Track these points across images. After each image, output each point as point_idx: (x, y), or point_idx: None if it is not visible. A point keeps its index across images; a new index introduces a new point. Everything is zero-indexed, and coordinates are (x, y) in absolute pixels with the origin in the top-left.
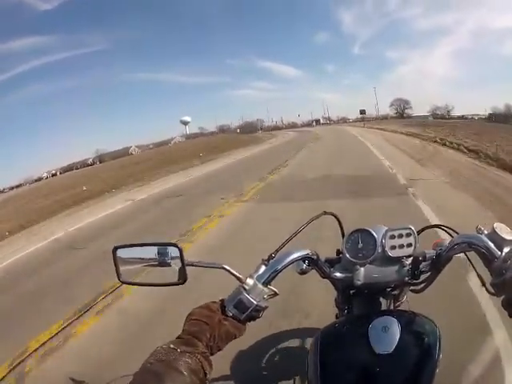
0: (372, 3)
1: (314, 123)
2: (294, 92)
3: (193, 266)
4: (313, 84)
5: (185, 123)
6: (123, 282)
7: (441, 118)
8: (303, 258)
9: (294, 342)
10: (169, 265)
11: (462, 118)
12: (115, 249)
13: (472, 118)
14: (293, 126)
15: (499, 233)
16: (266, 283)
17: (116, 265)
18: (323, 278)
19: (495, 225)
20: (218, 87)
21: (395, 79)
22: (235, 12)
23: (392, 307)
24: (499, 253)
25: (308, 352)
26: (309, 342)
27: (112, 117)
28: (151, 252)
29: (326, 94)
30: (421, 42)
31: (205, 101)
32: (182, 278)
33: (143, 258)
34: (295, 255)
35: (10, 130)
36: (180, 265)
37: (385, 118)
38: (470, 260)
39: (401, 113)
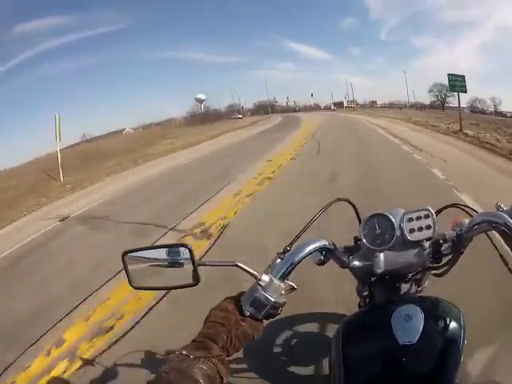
0: None
1: (333, 106)
2: (319, 74)
3: (204, 265)
4: (338, 67)
5: (199, 101)
6: (135, 288)
7: (481, 113)
8: (320, 249)
9: (315, 327)
10: (181, 266)
11: None
12: (124, 254)
13: None
14: (313, 108)
15: None
16: (283, 278)
17: (126, 270)
18: (342, 267)
19: None
20: (241, 67)
21: (421, 68)
22: None
23: (414, 292)
24: None
25: (330, 340)
26: (330, 328)
27: (133, 96)
28: (162, 254)
29: (351, 77)
30: (448, 32)
31: (228, 80)
32: (195, 278)
33: (154, 261)
34: (311, 246)
35: (26, 109)
36: (192, 265)
37: (419, 106)
38: (491, 239)
39: (441, 101)
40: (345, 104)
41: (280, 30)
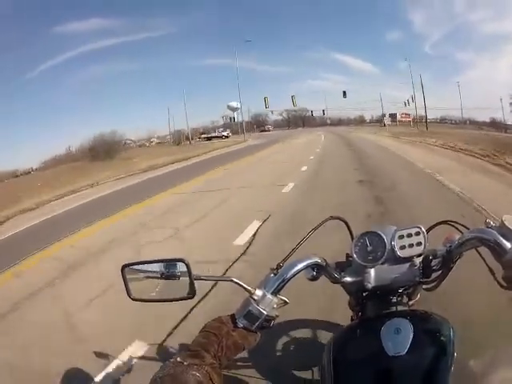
0: (442, 5)
1: (387, 120)
2: (362, 86)
3: (201, 280)
4: (383, 80)
5: (233, 109)
6: (134, 299)
7: None
8: (312, 266)
9: (311, 334)
10: (178, 279)
11: None
12: (124, 267)
13: None
14: (357, 122)
15: (508, 225)
16: (276, 293)
17: (125, 283)
18: (334, 283)
19: (504, 217)
20: (287, 77)
21: (466, 82)
22: (310, 4)
23: (405, 307)
24: (509, 246)
25: (323, 348)
26: (325, 336)
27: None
28: (160, 268)
29: (397, 92)
30: (492, 46)
31: (273, 90)
32: (192, 292)
33: (152, 275)
34: (303, 264)
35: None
36: (188, 279)
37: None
38: (480, 254)
39: None
40: (398, 117)
41: (326, 42)
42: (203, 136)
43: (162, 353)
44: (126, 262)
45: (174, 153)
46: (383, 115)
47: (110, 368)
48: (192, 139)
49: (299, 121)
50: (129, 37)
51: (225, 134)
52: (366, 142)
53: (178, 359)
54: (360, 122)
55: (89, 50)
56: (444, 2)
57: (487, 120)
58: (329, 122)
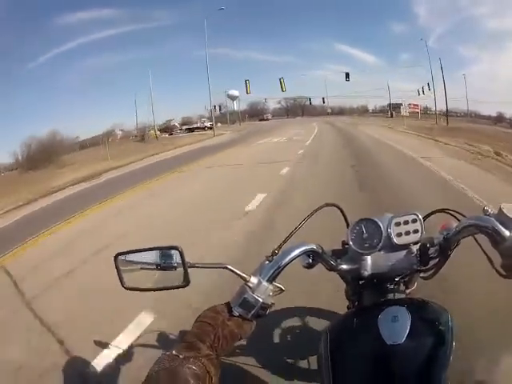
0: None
1: (404, 108)
2: (365, 76)
3: (195, 267)
4: (386, 72)
5: (232, 98)
6: (127, 289)
7: None
8: (307, 252)
9: (307, 322)
10: (172, 267)
11: None
12: (116, 256)
13: None
14: (360, 112)
15: (507, 213)
16: (271, 280)
17: (118, 272)
18: (330, 270)
19: (502, 205)
20: (289, 67)
21: (467, 76)
22: None
23: (403, 295)
24: (508, 233)
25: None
26: (321, 325)
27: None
28: (153, 256)
29: (401, 84)
30: (494, 41)
31: (274, 80)
32: (185, 280)
33: (146, 263)
34: (299, 250)
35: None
36: (182, 267)
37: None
38: (478, 242)
39: None
40: (406, 109)
41: (329, 33)
42: (185, 127)
43: (162, 340)
44: (118, 252)
45: (126, 153)
46: (390, 105)
47: (109, 356)
48: (172, 131)
49: (298, 110)
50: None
51: (207, 125)
52: (392, 154)
53: (174, 352)
54: (363, 111)
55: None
56: None
57: (493, 114)
58: (329, 111)
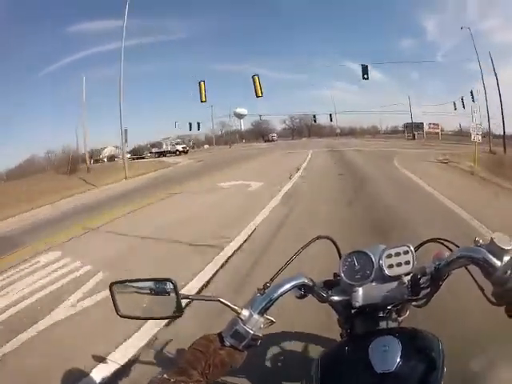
0: (454, 13)
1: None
2: (374, 95)
3: (187, 299)
4: (395, 88)
5: (239, 116)
6: (122, 316)
7: None
8: (299, 286)
9: (301, 347)
10: (166, 298)
11: None
12: (112, 284)
13: None
14: (370, 132)
15: (497, 243)
16: (262, 312)
17: (113, 300)
18: (321, 302)
19: (493, 235)
20: (297, 85)
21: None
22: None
23: (395, 323)
24: (499, 263)
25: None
26: (315, 350)
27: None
28: (148, 286)
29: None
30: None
31: (281, 98)
32: (179, 310)
33: (141, 293)
34: (290, 284)
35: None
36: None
37: None
38: (469, 271)
39: None
40: (426, 128)
41: (340, 50)
42: (154, 151)
43: (160, 357)
44: (113, 281)
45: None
46: (412, 124)
47: (109, 372)
48: (142, 155)
49: (305, 130)
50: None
51: (179, 148)
52: None
53: (165, 376)
54: (374, 132)
55: None
56: (457, 10)
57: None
58: (338, 131)
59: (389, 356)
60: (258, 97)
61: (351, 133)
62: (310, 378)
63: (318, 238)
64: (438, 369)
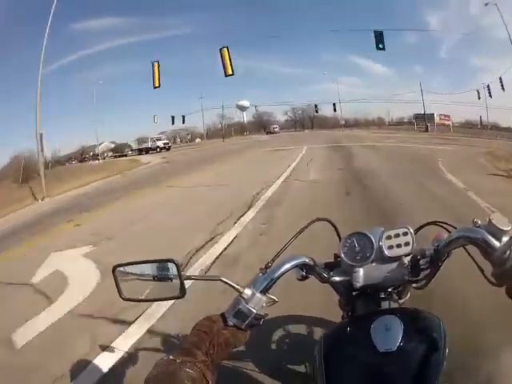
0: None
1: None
2: (378, 90)
3: (190, 279)
4: (400, 83)
5: (242, 109)
6: (125, 299)
7: None
8: (300, 266)
9: (305, 329)
10: (168, 279)
11: None
12: (115, 268)
13: None
14: (375, 124)
15: (496, 224)
16: (264, 292)
17: (117, 283)
18: (322, 282)
19: (491, 216)
20: (302, 79)
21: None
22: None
23: (396, 305)
24: (498, 244)
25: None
26: (318, 332)
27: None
28: (150, 268)
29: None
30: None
31: (285, 92)
32: (182, 291)
33: (143, 275)
34: (291, 263)
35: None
36: (178, 279)
37: None
38: (468, 252)
39: None
40: (437, 119)
41: (343, 44)
42: (134, 148)
43: (165, 342)
44: (115, 264)
45: None
46: (424, 115)
47: (113, 359)
48: (123, 152)
49: (308, 122)
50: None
51: (159, 144)
52: None
53: (171, 357)
54: (380, 124)
55: None
56: (460, 6)
57: None
58: (343, 122)
59: (391, 335)
60: (227, 75)
61: (356, 124)
62: (313, 359)
63: (317, 220)
64: (440, 349)
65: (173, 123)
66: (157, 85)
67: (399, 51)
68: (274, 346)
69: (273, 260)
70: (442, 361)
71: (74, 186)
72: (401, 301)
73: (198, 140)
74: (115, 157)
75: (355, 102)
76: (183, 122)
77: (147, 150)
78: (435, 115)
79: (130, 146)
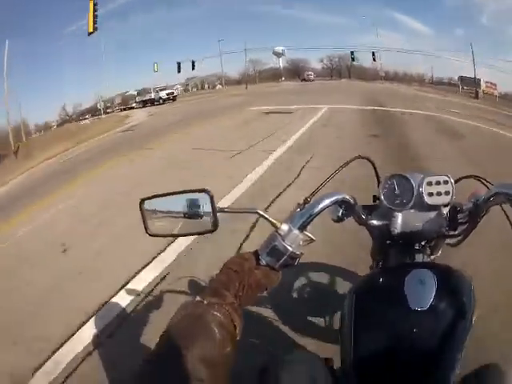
0: None
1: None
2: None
3: (224, 212)
4: (439, 45)
5: (278, 55)
6: (151, 235)
7: None
8: (339, 203)
9: (328, 280)
10: (199, 212)
11: None
12: (142, 201)
13: None
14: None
15: None
16: (302, 228)
17: (144, 218)
18: (360, 224)
19: None
20: (340, 30)
21: None
22: None
23: (428, 260)
24: None
25: (341, 296)
26: (341, 285)
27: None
28: (180, 200)
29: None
30: None
31: (326, 41)
32: (214, 225)
33: (171, 211)
34: (331, 199)
35: None
36: (210, 212)
37: None
38: (505, 212)
39: None
40: (483, 86)
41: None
42: (138, 99)
43: (192, 285)
44: (143, 197)
45: None
46: (474, 79)
47: (139, 299)
48: (126, 106)
49: (345, 71)
50: None
51: (162, 95)
52: None
53: (198, 298)
54: (420, 80)
55: None
56: None
57: None
58: (383, 74)
59: (424, 292)
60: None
61: (395, 78)
62: (342, 310)
63: (359, 157)
64: (469, 312)
65: (179, 71)
66: (91, 30)
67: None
68: (299, 296)
69: (312, 195)
70: (469, 326)
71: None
72: (432, 257)
73: (218, 87)
74: (121, 110)
75: (396, 50)
76: (193, 69)
77: (152, 102)
78: (482, 81)
79: (134, 97)
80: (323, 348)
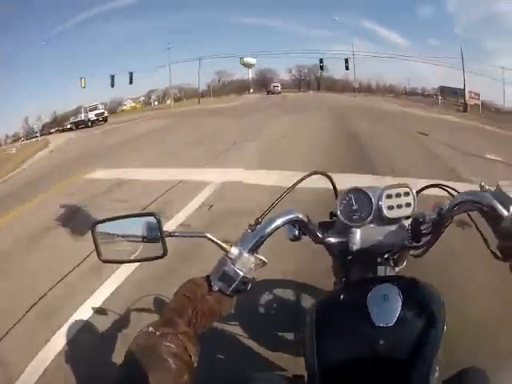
0: None
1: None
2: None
3: (172, 236)
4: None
5: (248, 66)
6: (103, 261)
7: None
8: (293, 222)
9: (296, 296)
10: (150, 237)
11: None
12: (94, 225)
13: None
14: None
15: (505, 191)
16: (253, 251)
17: (95, 242)
18: (316, 243)
19: (500, 182)
20: (312, 39)
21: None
22: None
23: (392, 273)
24: (506, 213)
25: (306, 312)
26: (307, 300)
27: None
28: (132, 225)
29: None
30: None
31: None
32: (164, 250)
33: (123, 235)
34: (283, 219)
35: None
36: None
37: None
38: (473, 220)
39: None
40: (467, 96)
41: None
42: (71, 121)
43: (157, 303)
44: (95, 221)
45: None
46: (464, 88)
47: (100, 322)
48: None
49: (313, 82)
50: None
51: (91, 116)
52: None
53: (151, 329)
54: (396, 92)
55: None
56: None
57: None
58: (357, 85)
59: (388, 307)
60: None
61: (369, 90)
62: (303, 327)
63: (314, 173)
64: (439, 326)
65: (112, 86)
66: None
67: (413, 23)
68: (261, 311)
69: (263, 215)
70: (440, 338)
71: None
72: (397, 268)
73: (168, 102)
74: (58, 131)
75: (371, 56)
76: (130, 82)
77: (78, 124)
78: (466, 91)
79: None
80: (294, 362)
